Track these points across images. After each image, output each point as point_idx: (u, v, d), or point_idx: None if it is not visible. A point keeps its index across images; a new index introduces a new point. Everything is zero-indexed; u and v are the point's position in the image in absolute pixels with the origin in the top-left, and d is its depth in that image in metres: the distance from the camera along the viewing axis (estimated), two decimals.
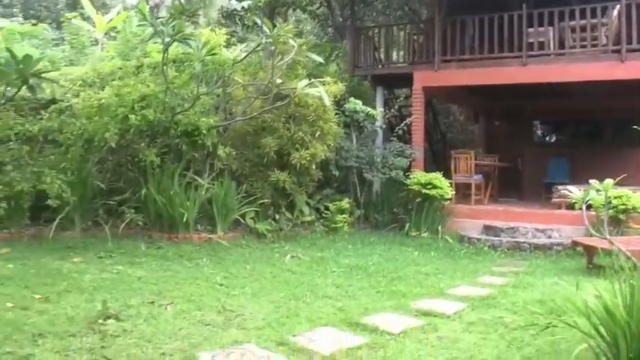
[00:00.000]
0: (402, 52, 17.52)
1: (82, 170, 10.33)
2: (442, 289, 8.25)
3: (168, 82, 10.44)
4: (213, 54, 10.57)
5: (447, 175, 13.61)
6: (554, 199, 13.30)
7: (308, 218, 12.09)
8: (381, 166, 13.40)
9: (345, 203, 12.48)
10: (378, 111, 14.35)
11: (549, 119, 19.53)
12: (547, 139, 20.75)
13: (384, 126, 15.05)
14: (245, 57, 11.36)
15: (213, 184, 10.88)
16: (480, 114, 19.57)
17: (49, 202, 9.72)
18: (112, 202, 10.64)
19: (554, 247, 11.59)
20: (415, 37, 16.62)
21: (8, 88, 10.03)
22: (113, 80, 11.37)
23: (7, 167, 9.83)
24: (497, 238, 12.21)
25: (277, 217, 11.63)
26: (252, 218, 11.17)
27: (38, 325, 5.86)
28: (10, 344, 5.38)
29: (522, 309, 7.04)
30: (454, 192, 13.57)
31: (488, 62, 13.85)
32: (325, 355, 5.36)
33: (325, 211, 12.43)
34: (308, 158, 11.39)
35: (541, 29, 13.48)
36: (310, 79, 10.69)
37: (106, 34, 16.17)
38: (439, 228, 12.76)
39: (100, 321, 5.97)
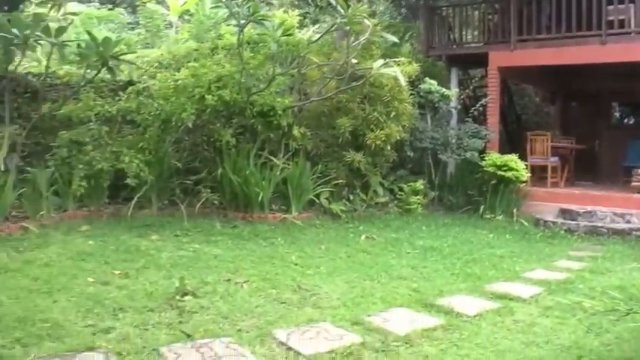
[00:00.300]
0: (476, 32, 17.26)
1: (159, 150, 10.46)
2: (518, 272, 8.15)
3: (244, 63, 10.47)
4: (289, 34, 10.57)
5: (522, 157, 13.36)
6: (633, 183, 12.93)
7: (382, 199, 12.03)
8: (455, 147, 13.25)
9: (420, 184, 12.38)
10: (453, 92, 14.18)
11: (628, 100, 18.95)
12: (626, 120, 20.17)
13: (458, 107, 14.88)
14: (320, 37, 11.33)
15: (288, 164, 10.92)
16: (557, 95, 19.15)
17: (128, 181, 9.88)
18: (188, 182, 10.78)
19: (634, 233, 11.28)
20: (490, 17, 16.35)
21: (88, 71, 10.24)
22: (188, 62, 11.48)
23: (87, 147, 10.01)
24: (573, 222, 11.95)
25: (351, 197, 11.61)
26: (326, 198, 11.16)
27: (118, 300, 6.01)
28: (92, 317, 5.53)
29: (601, 294, 6.88)
30: (530, 174, 13.32)
31: (565, 41, 13.51)
32: (400, 335, 5.36)
33: (399, 193, 12.35)
34: (383, 139, 11.32)
35: (621, 6, 13.11)
36: (385, 60, 10.59)
37: (180, 17, 16.36)
38: (514, 211, 12.55)
39: (178, 297, 6.08)
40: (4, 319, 5.36)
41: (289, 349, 4.97)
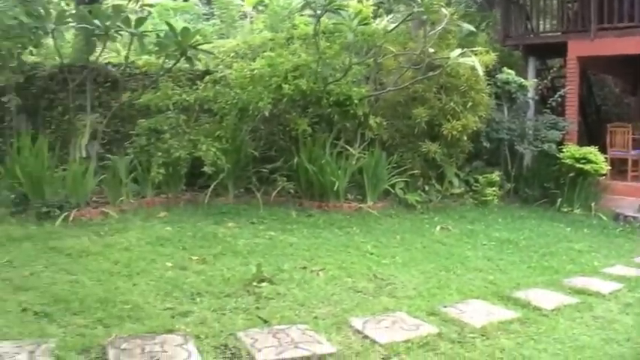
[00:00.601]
0: (554, 21, 16.89)
1: (235, 138, 10.54)
2: (596, 267, 8.01)
3: (320, 53, 10.47)
4: (365, 24, 10.52)
5: (602, 149, 13.02)
6: None
7: (457, 190, 11.88)
8: (532, 138, 12.99)
9: (495, 176, 12.17)
10: (530, 82, 13.92)
11: None
12: None
13: (535, 97, 14.58)
14: (396, 27, 11.23)
15: (364, 154, 10.88)
16: (638, 86, 18.61)
17: (205, 169, 9.97)
18: (264, 170, 10.83)
19: None
20: (569, 5, 15.97)
21: (167, 60, 10.41)
22: (264, 52, 11.52)
23: (165, 135, 10.16)
24: None
25: (426, 188, 11.49)
26: (401, 189, 11.08)
27: (196, 285, 6.13)
28: (171, 300, 5.67)
29: None
30: (609, 167, 12.98)
31: None
32: (476, 327, 5.35)
33: (475, 184, 12.17)
34: (459, 129, 11.18)
35: None
36: (462, 49, 10.47)
37: (254, 7, 16.47)
38: (592, 204, 12.25)
39: (255, 283, 6.17)
40: (87, 300, 5.56)
41: (365, 337, 5.00)
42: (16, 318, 5.20)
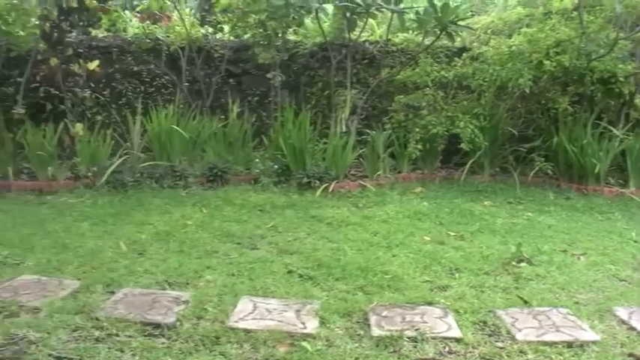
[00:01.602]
0: None
1: (493, 116, 10.41)
2: None
3: (584, 27, 10.03)
4: None
5: None
6: None
7: None
8: None
9: None
10: None
11: None
12: None
13: None
14: None
15: (628, 136, 10.30)
16: None
17: (462, 145, 9.95)
18: (521, 150, 10.61)
19: None
20: None
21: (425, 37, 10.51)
22: (520, 28, 11.27)
23: (423, 111, 10.30)
24: None
25: None
26: None
27: (454, 260, 6.18)
28: (429, 274, 5.78)
29: None
30: None
31: None
32: None
33: None
34: None
35: None
36: None
37: None
38: None
39: (514, 263, 6.11)
40: (348, 267, 5.81)
41: (631, 328, 4.75)
42: (282, 279, 5.56)
